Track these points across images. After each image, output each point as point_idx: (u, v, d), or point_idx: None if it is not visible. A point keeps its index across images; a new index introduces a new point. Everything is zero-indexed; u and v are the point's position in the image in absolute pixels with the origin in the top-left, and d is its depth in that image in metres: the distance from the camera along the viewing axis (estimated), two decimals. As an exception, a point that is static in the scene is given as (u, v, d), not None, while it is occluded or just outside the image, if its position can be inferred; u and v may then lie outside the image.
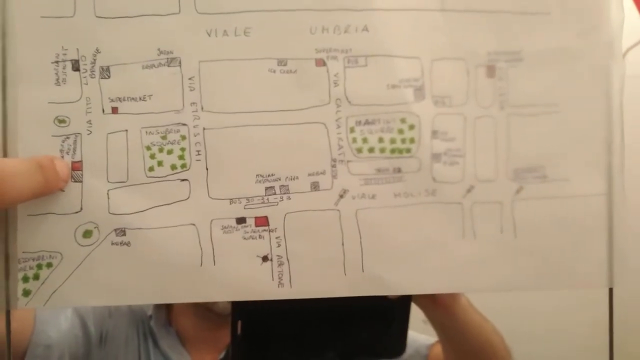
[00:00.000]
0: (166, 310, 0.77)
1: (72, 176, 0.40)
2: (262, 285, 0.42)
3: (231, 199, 0.42)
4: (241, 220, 0.42)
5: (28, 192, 0.36)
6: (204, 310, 0.73)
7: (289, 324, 0.50)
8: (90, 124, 0.41)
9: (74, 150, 0.40)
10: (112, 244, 0.41)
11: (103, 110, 0.41)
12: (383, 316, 0.52)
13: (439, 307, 0.57)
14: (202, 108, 0.42)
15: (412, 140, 0.43)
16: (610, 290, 0.46)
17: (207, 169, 0.42)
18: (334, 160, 0.43)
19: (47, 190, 0.38)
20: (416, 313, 0.56)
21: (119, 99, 0.41)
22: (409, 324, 0.53)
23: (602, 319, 0.47)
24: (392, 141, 0.43)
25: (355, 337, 0.52)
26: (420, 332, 0.71)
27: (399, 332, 0.53)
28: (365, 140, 0.43)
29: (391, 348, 0.53)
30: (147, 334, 0.74)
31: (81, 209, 0.40)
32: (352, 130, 0.43)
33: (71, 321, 0.66)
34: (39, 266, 0.40)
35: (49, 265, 0.40)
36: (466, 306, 0.59)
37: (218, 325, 0.74)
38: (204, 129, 0.42)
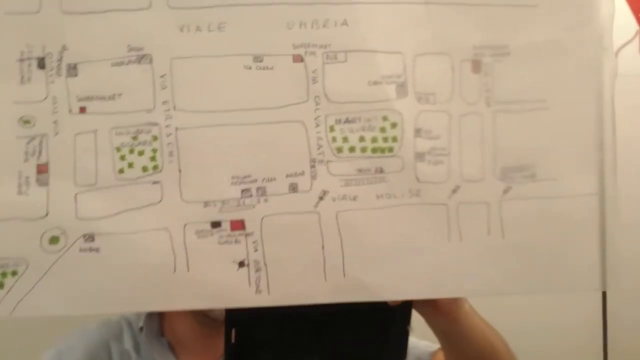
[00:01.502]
0: (159, 320, 0.75)
1: (37, 179, 0.38)
2: (239, 292, 0.40)
3: (205, 202, 0.40)
4: (216, 224, 0.40)
5: None
6: (202, 316, 0.71)
7: (285, 331, 0.48)
8: (57, 124, 0.39)
9: (40, 152, 0.39)
10: (81, 250, 0.39)
11: (70, 110, 0.39)
12: (382, 322, 0.50)
13: (440, 313, 0.55)
14: (174, 107, 0.40)
15: (394, 139, 0.42)
16: (604, 293, 0.44)
17: (180, 170, 0.40)
18: (313, 160, 0.41)
19: None
20: (418, 317, 0.54)
21: (87, 98, 0.39)
22: (409, 331, 0.52)
23: (595, 315, 0.45)
24: (374, 140, 0.42)
25: (354, 344, 0.50)
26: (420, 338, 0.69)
27: (398, 338, 0.51)
28: (345, 139, 0.41)
29: (391, 355, 0.51)
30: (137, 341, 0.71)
31: (47, 213, 0.38)
32: (331, 129, 0.41)
33: None
34: (4, 274, 0.38)
35: (14, 273, 0.38)
36: (469, 312, 0.57)
37: (214, 331, 0.71)
38: (176, 128, 0.40)
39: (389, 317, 0.48)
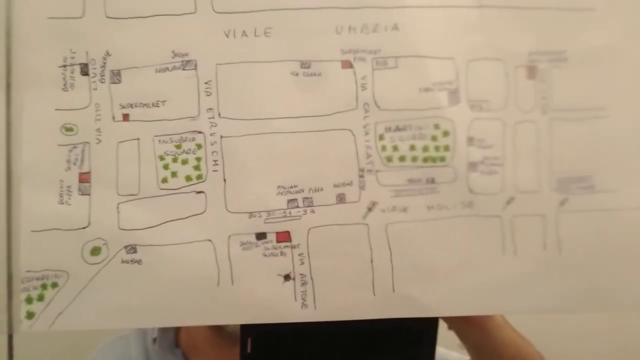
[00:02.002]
0: (174, 331, 0.74)
1: (79, 188, 0.37)
2: (284, 307, 0.39)
3: (250, 213, 0.39)
4: (261, 236, 0.39)
5: None
6: (218, 328, 0.70)
7: (301, 345, 0.47)
8: (100, 132, 0.38)
9: (82, 160, 0.37)
10: (122, 261, 0.38)
11: (113, 118, 0.38)
12: (408, 339, 0.48)
13: (472, 325, 0.53)
14: (219, 114, 0.39)
15: (446, 148, 0.40)
16: None
17: (224, 180, 0.39)
18: (361, 170, 0.39)
19: None
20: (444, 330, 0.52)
21: (130, 105, 0.38)
22: (436, 345, 0.50)
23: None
24: (425, 149, 0.40)
25: None
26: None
27: (426, 355, 0.50)
28: (395, 148, 0.40)
29: None
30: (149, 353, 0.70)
31: (89, 224, 0.37)
32: (381, 137, 0.40)
33: None
34: (44, 286, 0.37)
35: (54, 285, 0.37)
36: (501, 323, 0.55)
37: (230, 342, 0.70)
38: (221, 136, 0.38)
39: (416, 332, 0.46)
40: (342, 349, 0.46)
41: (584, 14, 0.41)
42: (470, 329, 0.53)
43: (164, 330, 0.72)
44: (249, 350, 0.43)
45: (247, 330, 0.43)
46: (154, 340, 0.71)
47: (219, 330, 0.71)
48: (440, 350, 0.50)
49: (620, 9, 0.41)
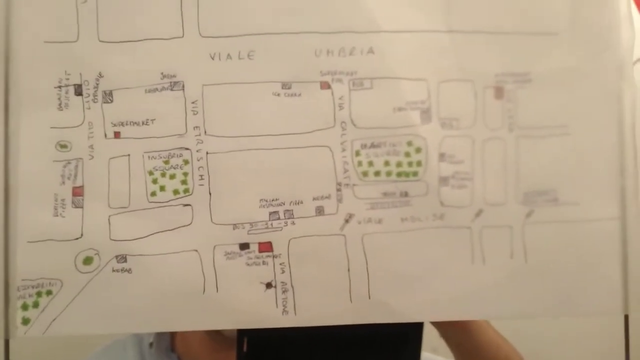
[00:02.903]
0: (170, 335, 0.75)
1: (72, 202, 0.40)
2: (266, 313, 0.41)
3: (234, 224, 0.41)
4: (245, 246, 0.41)
5: None
6: (215, 332, 0.72)
7: (296, 347, 0.48)
8: (92, 148, 0.40)
9: (75, 175, 0.40)
10: (113, 270, 0.40)
11: (105, 135, 0.40)
12: (395, 342, 0.51)
13: (455, 327, 0.55)
14: (205, 132, 0.41)
15: (419, 164, 0.43)
16: (626, 317, 0.44)
17: (210, 193, 0.41)
18: (339, 184, 0.42)
19: None
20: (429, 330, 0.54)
21: (122, 123, 0.40)
22: (421, 348, 0.52)
23: (617, 346, 0.46)
24: (399, 164, 0.42)
25: None
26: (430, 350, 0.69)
27: (411, 357, 0.52)
28: (371, 163, 0.42)
29: None
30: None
31: (82, 235, 0.40)
32: (357, 153, 0.42)
33: None
34: (39, 294, 0.39)
35: (49, 292, 0.39)
36: (483, 324, 0.57)
37: (226, 346, 0.72)
38: (207, 153, 0.41)
39: (402, 335, 0.48)
40: (338, 351, 0.48)
41: (548, 38, 0.44)
42: (453, 329, 0.56)
43: (159, 335, 0.73)
44: (245, 349, 0.45)
45: (244, 330, 0.45)
46: (150, 344, 0.73)
47: (214, 334, 0.72)
48: (425, 354, 0.53)
49: (581, 33, 0.44)
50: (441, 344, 0.60)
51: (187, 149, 0.41)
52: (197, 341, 0.75)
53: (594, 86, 0.44)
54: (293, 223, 0.41)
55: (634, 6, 0.46)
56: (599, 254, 0.44)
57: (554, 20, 0.44)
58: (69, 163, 0.40)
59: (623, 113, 0.44)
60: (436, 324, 0.55)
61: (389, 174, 0.43)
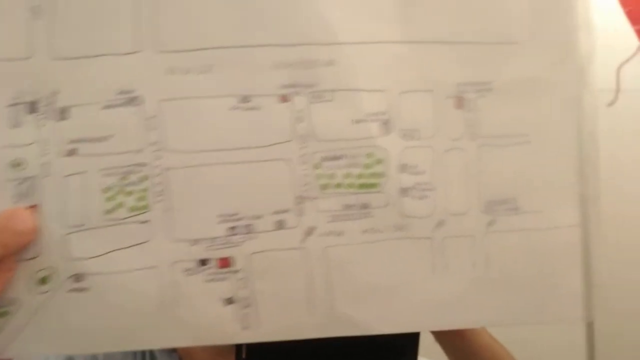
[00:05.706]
0: None
1: None
2: (227, 329, 0.41)
3: (193, 240, 0.41)
4: (204, 262, 0.41)
5: None
6: None
7: (294, 356, 0.49)
8: (47, 166, 0.40)
9: (30, 194, 0.39)
10: (71, 290, 0.39)
11: (60, 153, 0.40)
12: (392, 351, 0.51)
13: (450, 331, 0.56)
14: (163, 147, 0.41)
15: (380, 175, 0.43)
16: (590, 324, 0.44)
17: (168, 209, 0.41)
18: (299, 197, 0.42)
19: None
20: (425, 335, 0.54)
21: (78, 140, 0.40)
22: (417, 356, 0.52)
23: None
24: (359, 176, 0.42)
25: None
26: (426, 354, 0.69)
27: None
28: (331, 176, 0.42)
29: None
30: (146, 357, 0.73)
31: (38, 254, 0.39)
32: (317, 166, 0.42)
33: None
34: (-5, 315, 0.39)
35: (5, 313, 0.39)
36: (478, 330, 0.58)
37: (227, 348, 0.73)
38: (165, 169, 0.41)
39: (399, 344, 0.48)
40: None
41: (508, 47, 0.44)
42: (448, 334, 0.56)
43: None
44: (243, 355, 0.45)
45: None
46: None
47: None
48: None
49: (541, 42, 0.44)
50: (437, 349, 0.60)
51: (145, 164, 0.40)
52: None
53: (554, 94, 0.44)
54: (252, 238, 0.41)
55: (615, 9, 0.46)
56: (560, 262, 0.44)
57: (514, 29, 0.44)
58: (24, 182, 0.39)
59: (583, 120, 0.45)
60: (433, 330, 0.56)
61: (349, 186, 0.42)
